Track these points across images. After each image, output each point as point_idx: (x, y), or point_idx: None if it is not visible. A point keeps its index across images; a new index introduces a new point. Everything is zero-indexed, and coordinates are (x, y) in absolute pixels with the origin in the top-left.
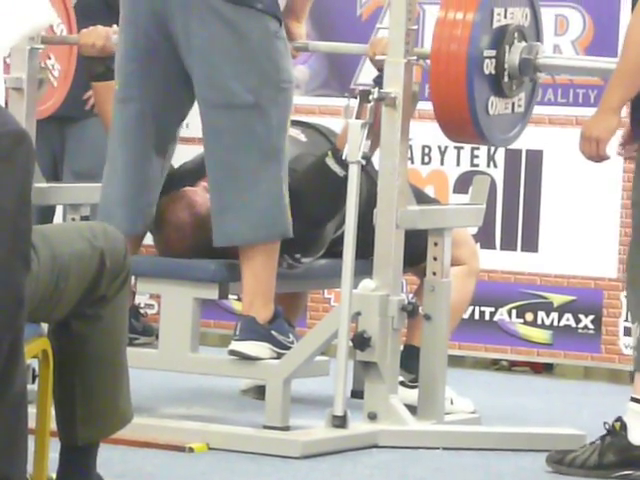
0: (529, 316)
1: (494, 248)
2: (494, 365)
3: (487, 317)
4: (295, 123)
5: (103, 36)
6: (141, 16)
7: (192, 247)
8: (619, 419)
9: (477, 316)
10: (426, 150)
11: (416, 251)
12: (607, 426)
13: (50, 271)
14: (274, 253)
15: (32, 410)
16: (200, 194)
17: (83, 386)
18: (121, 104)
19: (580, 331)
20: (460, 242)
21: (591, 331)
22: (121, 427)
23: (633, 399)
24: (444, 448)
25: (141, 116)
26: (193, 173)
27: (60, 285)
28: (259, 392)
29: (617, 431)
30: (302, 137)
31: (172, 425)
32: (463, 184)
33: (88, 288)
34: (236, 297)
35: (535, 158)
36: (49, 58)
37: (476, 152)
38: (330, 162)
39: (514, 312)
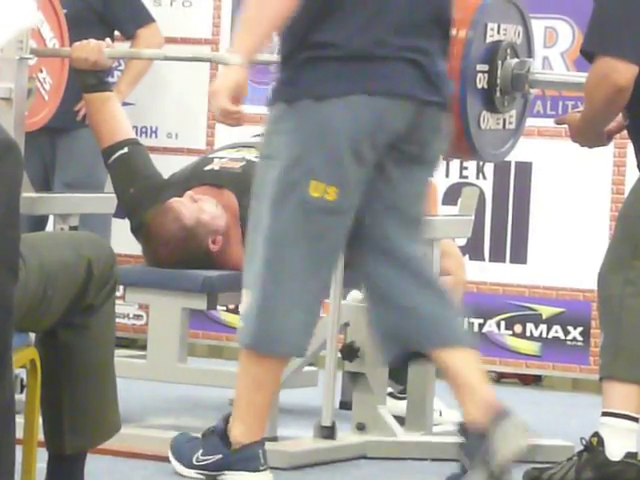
0: (518, 328)
1: (483, 260)
2: None
3: (476, 329)
4: None
5: (96, 50)
6: (388, 125)
7: (181, 259)
8: (596, 434)
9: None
10: None
11: None
12: (584, 442)
13: (38, 279)
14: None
15: (20, 420)
16: (186, 205)
17: (71, 395)
18: (333, 216)
19: (569, 343)
20: (446, 253)
21: (580, 343)
22: (109, 437)
23: (605, 413)
24: (432, 459)
25: (344, 231)
26: (180, 184)
27: (48, 293)
28: None
29: (594, 446)
30: None
31: (160, 435)
32: (452, 195)
33: (75, 297)
34: (224, 308)
35: (524, 170)
36: (41, 71)
37: (465, 164)
38: None
39: (503, 324)
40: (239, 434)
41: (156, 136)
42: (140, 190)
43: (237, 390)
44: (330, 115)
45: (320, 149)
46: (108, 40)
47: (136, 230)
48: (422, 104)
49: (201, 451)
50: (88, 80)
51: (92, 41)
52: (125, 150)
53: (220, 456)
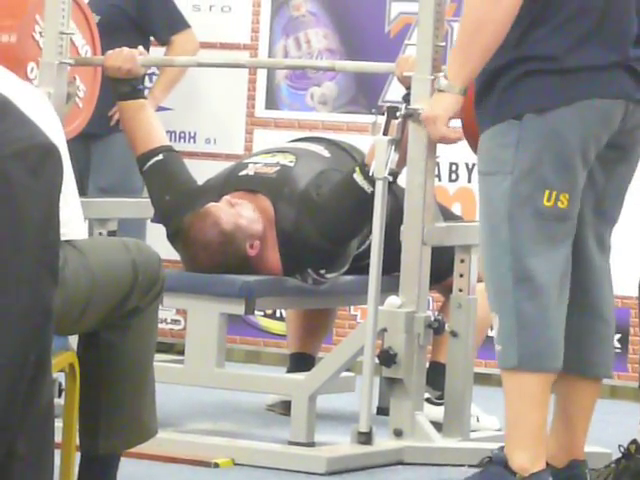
0: None
1: None
2: None
3: None
4: (318, 140)
5: (129, 59)
6: (612, 126)
7: (219, 264)
8: (634, 441)
9: None
10: (453, 167)
11: (440, 267)
12: (622, 449)
13: (85, 283)
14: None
15: (58, 424)
16: (224, 210)
17: (109, 395)
18: (565, 222)
19: None
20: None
21: (617, 350)
22: (143, 440)
23: None
24: (470, 465)
25: (572, 237)
26: (215, 190)
27: (94, 297)
28: (285, 407)
29: (632, 454)
30: (326, 153)
31: (198, 440)
32: None
33: (119, 300)
34: (262, 313)
35: None
36: (74, 79)
37: None
38: (358, 178)
39: None
40: (524, 461)
41: (194, 141)
42: (176, 197)
43: (509, 415)
44: (558, 124)
45: (552, 158)
46: (141, 48)
47: (173, 236)
48: (635, 102)
49: None
50: (121, 88)
51: (125, 49)
52: (160, 157)
53: None
